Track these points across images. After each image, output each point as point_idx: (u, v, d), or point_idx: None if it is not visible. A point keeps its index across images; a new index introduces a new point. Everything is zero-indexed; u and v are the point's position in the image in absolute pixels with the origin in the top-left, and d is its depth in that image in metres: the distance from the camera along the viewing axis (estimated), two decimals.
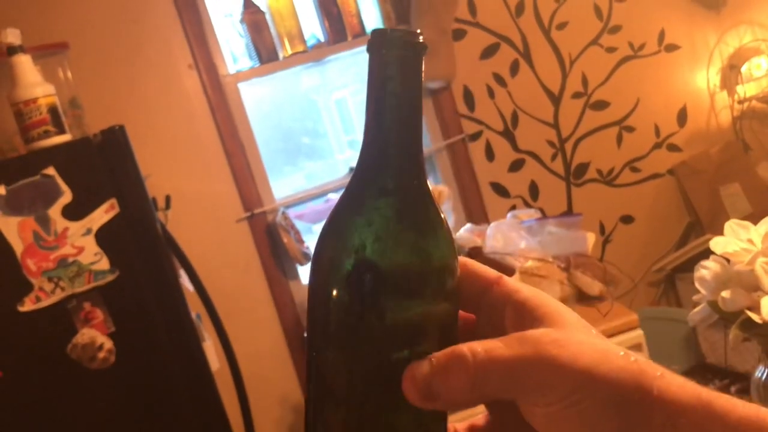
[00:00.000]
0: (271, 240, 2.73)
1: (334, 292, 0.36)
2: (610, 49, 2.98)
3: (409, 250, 0.36)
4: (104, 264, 1.67)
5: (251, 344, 2.51)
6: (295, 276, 2.79)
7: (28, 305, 1.62)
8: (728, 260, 1.05)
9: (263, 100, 3.01)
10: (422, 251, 0.36)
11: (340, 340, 0.36)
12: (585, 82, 2.96)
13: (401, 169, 0.36)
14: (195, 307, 1.87)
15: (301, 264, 2.68)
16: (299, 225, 2.79)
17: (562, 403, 0.34)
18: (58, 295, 1.64)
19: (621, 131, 3.00)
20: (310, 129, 3.34)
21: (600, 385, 0.33)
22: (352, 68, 3.17)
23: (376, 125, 0.37)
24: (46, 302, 1.64)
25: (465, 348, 0.35)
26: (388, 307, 0.35)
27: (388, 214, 0.36)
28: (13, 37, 1.66)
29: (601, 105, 2.98)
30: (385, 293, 0.35)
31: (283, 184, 2.89)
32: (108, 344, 1.67)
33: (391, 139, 0.36)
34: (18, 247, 1.61)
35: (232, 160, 2.67)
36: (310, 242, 2.71)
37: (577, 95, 2.96)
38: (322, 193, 2.90)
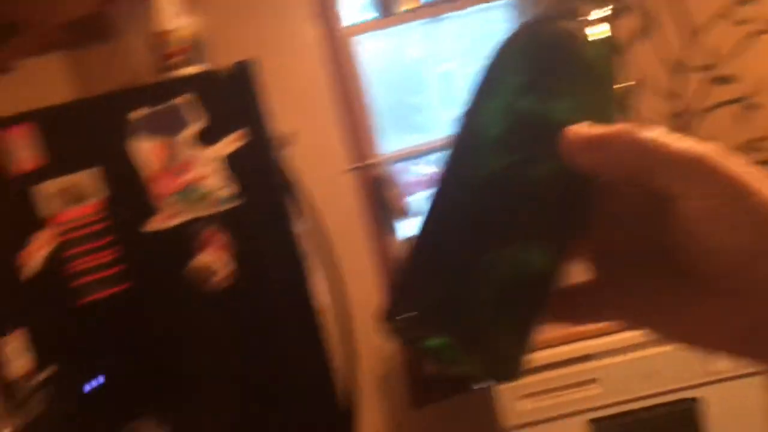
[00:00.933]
0: (376, 194, 2.76)
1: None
2: (741, 22, 2.83)
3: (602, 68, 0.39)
4: (228, 191, 1.74)
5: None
6: (396, 232, 2.82)
7: (155, 224, 1.71)
8: None
9: (371, 65, 3.02)
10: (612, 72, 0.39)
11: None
12: (711, 54, 2.84)
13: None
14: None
15: (404, 217, 2.71)
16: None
17: (722, 198, 0.34)
18: (183, 218, 1.72)
19: (746, 108, 2.86)
20: (411, 100, 3.33)
21: (760, 196, 0.34)
22: (462, 38, 3.13)
23: None
24: (171, 223, 1.72)
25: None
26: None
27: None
28: None
29: (726, 80, 2.84)
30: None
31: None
32: (224, 269, 1.74)
33: None
34: (150, 168, 1.69)
35: (344, 111, 2.71)
36: (412, 202, 2.74)
37: (701, 68, 2.84)
38: (430, 150, 2.91)
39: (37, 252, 1.64)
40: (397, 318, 0.38)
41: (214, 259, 1.73)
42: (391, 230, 2.79)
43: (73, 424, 1.21)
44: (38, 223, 1.64)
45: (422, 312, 0.37)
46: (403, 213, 2.70)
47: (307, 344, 1.85)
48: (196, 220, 1.72)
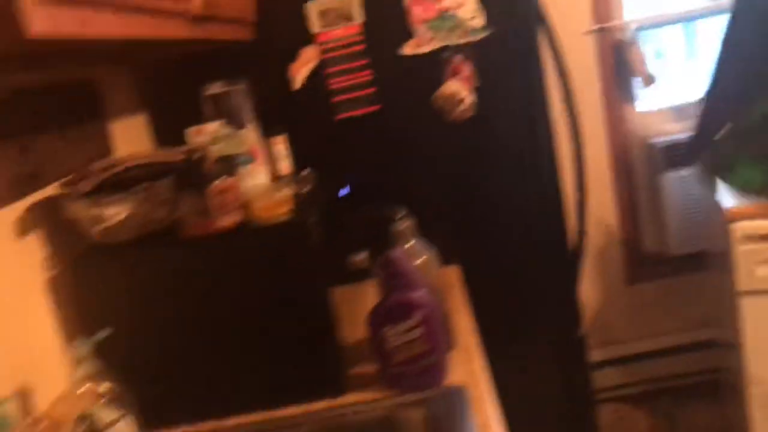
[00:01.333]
0: (616, 59, 2.65)
1: None
2: None
3: None
4: (480, 22, 1.76)
5: None
6: (633, 100, 2.70)
7: (408, 49, 1.79)
8: None
9: None
10: None
11: None
12: None
13: None
14: None
15: (646, 85, 2.57)
16: None
17: None
18: (434, 45, 1.78)
19: None
20: None
21: None
22: None
23: None
24: (423, 49, 1.78)
25: None
26: None
27: None
28: None
29: None
30: None
31: None
32: (469, 99, 1.79)
33: None
34: None
35: None
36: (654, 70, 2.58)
37: None
38: (679, 19, 2.71)
39: (303, 66, 1.79)
40: (713, 140, 0.37)
41: (460, 89, 1.78)
42: (629, 98, 2.68)
43: (328, 218, 1.35)
44: (307, 40, 1.78)
45: (740, 133, 0.36)
46: (645, 80, 2.57)
47: (541, 185, 1.87)
48: (447, 48, 1.77)
